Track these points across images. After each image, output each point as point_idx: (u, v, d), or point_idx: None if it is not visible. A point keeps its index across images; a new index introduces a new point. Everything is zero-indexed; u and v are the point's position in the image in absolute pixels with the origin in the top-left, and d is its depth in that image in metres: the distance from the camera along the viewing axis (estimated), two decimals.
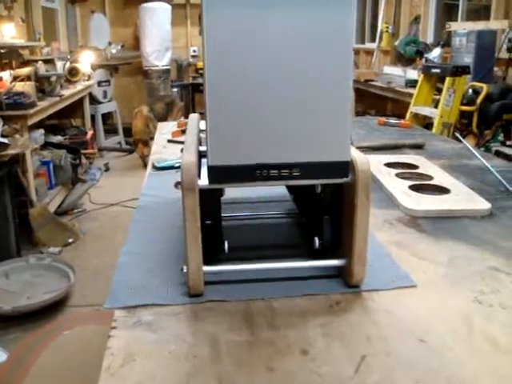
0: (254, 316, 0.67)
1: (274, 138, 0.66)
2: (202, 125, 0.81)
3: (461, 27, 3.47)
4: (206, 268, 0.70)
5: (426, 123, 3.31)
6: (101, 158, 4.83)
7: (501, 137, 2.75)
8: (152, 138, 4.39)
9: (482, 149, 2.65)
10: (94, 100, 4.88)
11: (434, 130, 3.00)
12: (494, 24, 3.18)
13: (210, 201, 0.71)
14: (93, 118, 4.86)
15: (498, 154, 2.53)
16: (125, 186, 3.90)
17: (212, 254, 0.73)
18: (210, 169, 0.66)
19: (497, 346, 0.62)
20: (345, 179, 0.69)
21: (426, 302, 0.71)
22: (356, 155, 0.68)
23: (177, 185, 1.05)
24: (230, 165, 0.66)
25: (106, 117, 5.43)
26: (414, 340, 0.62)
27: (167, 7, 5.38)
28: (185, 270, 0.71)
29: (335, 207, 0.75)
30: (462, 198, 1.09)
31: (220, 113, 0.64)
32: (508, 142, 2.65)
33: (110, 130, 5.38)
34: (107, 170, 4.59)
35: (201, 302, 0.70)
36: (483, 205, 1.04)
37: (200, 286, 0.70)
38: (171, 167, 1.36)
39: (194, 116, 1.05)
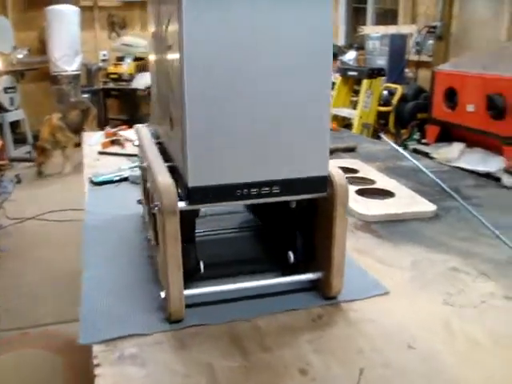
0: (242, 338, 0.66)
1: (253, 156, 0.65)
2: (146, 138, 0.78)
3: (373, 31, 3.64)
4: (187, 292, 0.67)
5: (345, 124, 3.44)
6: (11, 169, 4.52)
7: (416, 135, 2.92)
8: (65, 147, 4.25)
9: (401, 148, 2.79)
10: (0, 108, 4.57)
11: (354, 130, 3.12)
12: (404, 28, 3.37)
13: (185, 222, 0.68)
14: (0, 127, 4.55)
15: (416, 151, 2.68)
16: (38, 198, 3.70)
17: (187, 275, 0.70)
18: (191, 190, 0.63)
19: (479, 344, 0.65)
20: (323, 194, 0.69)
21: (403, 308, 0.73)
22: (333, 170, 0.69)
23: (140, 202, 1.01)
24: (210, 185, 0.64)
25: (15, 125, 5.09)
26: (403, 348, 0.64)
27: (75, 10, 5.15)
28: (163, 296, 0.68)
29: (308, 221, 0.76)
30: (407, 200, 1.14)
31: (201, 133, 0.62)
32: (423, 140, 2.82)
33: (19, 140, 5.05)
34: (19, 181, 4.31)
35: (183, 328, 0.67)
36: (429, 207, 1.10)
37: (181, 311, 0.67)
38: (110, 181, 1.30)
39: (142, 129, 1.01)
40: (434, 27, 3.16)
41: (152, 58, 0.92)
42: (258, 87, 0.63)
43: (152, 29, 0.89)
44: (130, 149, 1.62)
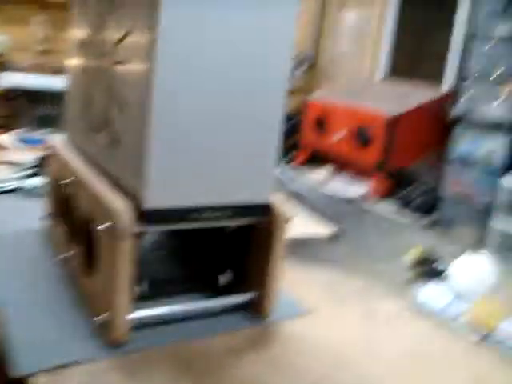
0: (189, 361, 0.66)
1: (206, 181, 0.66)
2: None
3: None
4: (134, 315, 0.65)
5: None
6: None
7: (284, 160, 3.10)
8: None
9: None
10: None
11: None
12: None
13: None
14: None
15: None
16: None
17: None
18: (146, 212, 0.62)
19: (406, 353, 0.74)
20: (265, 219, 0.72)
21: (327, 326, 0.79)
22: (275, 198, 0.73)
23: (47, 217, 0.94)
24: (165, 207, 0.63)
25: None
26: (343, 365, 0.70)
27: None
28: (99, 321, 0.65)
29: (241, 244, 0.78)
30: (305, 222, 1.22)
31: (161, 155, 0.61)
32: (290, 165, 3.00)
33: None
34: None
35: (128, 353, 0.65)
36: (327, 229, 1.19)
37: (126, 335, 0.65)
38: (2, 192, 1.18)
39: (56, 140, 0.95)
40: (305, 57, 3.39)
41: (77, 64, 0.87)
42: (217, 115, 0.64)
43: (81, 33, 0.85)
44: (9, 156, 1.49)
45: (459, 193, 2.11)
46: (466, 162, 2.07)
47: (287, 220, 0.73)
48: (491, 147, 2.00)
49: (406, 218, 2.02)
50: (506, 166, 1.96)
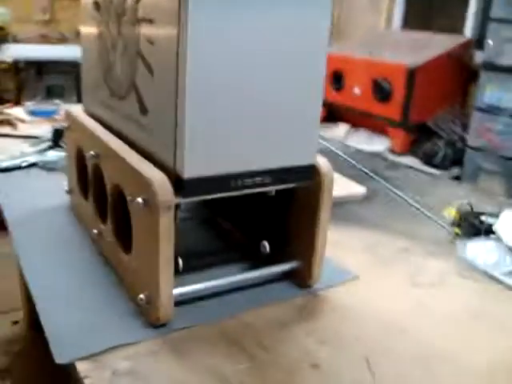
0: (238, 338, 0.62)
1: (248, 145, 0.61)
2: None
3: None
4: (176, 291, 0.62)
5: None
6: None
7: None
8: None
9: None
10: None
11: None
12: None
13: None
14: None
15: None
16: None
17: None
18: (186, 182, 0.57)
19: (460, 320, 0.69)
20: (310, 182, 0.67)
21: (377, 292, 0.75)
22: (319, 159, 0.68)
23: (70, 191, 0.90)
24: (205, 176, 0.59)
25: None
26: (396, 332, 0.66)
27: None
28: (142, 299, 0.61)
29: (283, 210, 0.74)
30: (337, 183, 1.17)
31: (200, 122, 0.56)
32: None
33: None
34: None
35: (172, 332, 0.62)
36: (360, 189, 1.14)
37: (170, 314, 0.61)
38: (17, 167, 1.14)
39: (75, 110, 0.90)
40: None
41: (92, 29, 0.81)
42: (255, 77, 0.59)
43: None
44: (23, 129, 1.44)
45: (486, 143, 2.04)
46: (493, 110, 1.99)
47: (332, 181, 0.68)
48: None
49: (432, 172, 1.96)
50: None
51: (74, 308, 0.65)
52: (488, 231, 0.92)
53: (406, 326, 0.67)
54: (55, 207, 0.94)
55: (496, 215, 0.96)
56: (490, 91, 2.01)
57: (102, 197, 0.75)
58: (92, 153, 0.74)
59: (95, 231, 0.78)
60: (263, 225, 0.76)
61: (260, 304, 0.69)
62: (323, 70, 0.63)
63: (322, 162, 0.67)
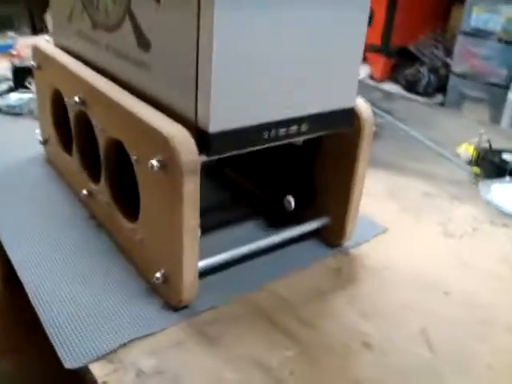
0: (273, 315, 0.53)
1: (284, 88, 0.49)
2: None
3: None
4: (200, 264, 0.52)
5: None
6: None
7: None
8: None
9: None
10: None
11: None
12: None
13: None
14: None
15: None
16: None
17: None
18: (212, 137, 0.46)
19: (504, 278, 0.63)
20: (349, 128, 0.57)
21: (411, 247, 0.68)
22: (358, 101, 0.57)
23: (45, 142, 0.76)
24: (234, 128, 0.47)
25: None
26: (441, 294, 0.59)
27: None
28: (159, 278, 0.51)
29: (309, 161, 0.64)
30: None
31: (229, 60, 0.44)
32: None
33: None
34: None
35: (199, 313, 0.52)
36: None
37: (194, 292, 0.52)
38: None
39: (46, 46, 0.74)
40: None
41: None
42: (291, 13, 0.46)
43: None
44: None
45: (471, 69, 1.95)
46: (479, 33, 1.88)
47: (372, 127, 0.58)
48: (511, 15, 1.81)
49: (417, 99, 1.88)
50: None
51: (70, 289, 0.54)
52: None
53: (450, 286, 0.60)
54: (29, 160, 0.81)
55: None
56: (476, 13, 1.89)
57: (92, 151, 0.63)
58: (76, 99, 0.60)
59: (84, 192, 0.66)
60: (283, 178, 0.66)
61: (289, 269, 0.60)
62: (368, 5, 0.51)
63: (362, 105, 0.57)
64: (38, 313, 0.51)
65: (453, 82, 2.00)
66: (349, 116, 0.56)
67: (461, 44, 1.95)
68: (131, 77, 0.55)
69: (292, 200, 0.63)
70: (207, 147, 0.46)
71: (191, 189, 0.45)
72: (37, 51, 0.73)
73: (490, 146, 0.90)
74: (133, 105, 0.51)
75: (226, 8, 0.42)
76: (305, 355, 0.49)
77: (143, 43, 0.51)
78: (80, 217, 0.67)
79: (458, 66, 1.99)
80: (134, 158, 0.51)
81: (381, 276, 0.61)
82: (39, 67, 0.74)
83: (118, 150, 0.57)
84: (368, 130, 0.57)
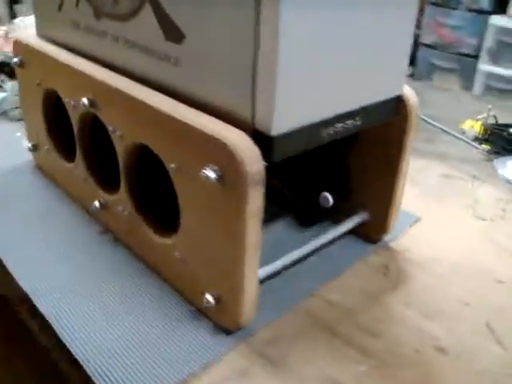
0: (333, 323, 0.49)
1: (341, 81, 0.44)
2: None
3: None
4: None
5: None
6: None
7: None
8: None
9: None
10: None
11: None
12: None
13: None
14: None
15: None
16: None
17: None
18: (274, 141, 0.40)
19: None
20: (397, 116, 0.52)
21: (448, 235, 0.65)
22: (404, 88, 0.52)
23: (34, 148, 0.67)
24: (295, 129, 0.42)
25: None
26: (494, 285, 0.56)
27: None
28: (210, 301, 0.46)
29: (343, 153, 0.59)
30: None
31: (295, 53, 0.38)
32: None
33: None
34: None
35: (256, 332, 0.47)
36: None
37: (253, 313, 0.46)
38: None
39: (30, 39, 0.65)
40: None
41: None
42: (354, 12, 0.41)
43: None
44: None
45: (440, 39, 1.94)
46: (449, 3, 1.87)
47: (419, 115, 0.54)
48: None
49: None
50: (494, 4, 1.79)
51: (102, 319, 0.48)
52: None
53: (499, 274, 0.58)
54: (15, 168, 0.72)
55: None
56: None
57: (102, 158, 0.56)
58: (84, 100, 0.53)
59: (96, 204, 0.58)
60: (315, 173, 0.61)
61: (335, 272, 0.56)
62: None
63: (408, 92, 0.52)
64: (73, 352, 0.44)
65: (422, 53, 1.99)
66: (398, 104, 0.51)
67: (429, 15, 1.94)
68: (152, 72, 0.48)
69: (329, 196, 0.59)
70: (268, 152, 0.40)
71: (256, 202, 0.40)
72: (20, 46, 0.64)
73: (497, 121, 0.89)
74: (169, 106, 0.44)
75: (293, 6, 0.36)
76: (379, 369, 0.45)
77: (173, 34, 0.45)
78: (90, 232, 0.60)
79: (427, 36, 1.98)
80: (171, 166, 0.45)
81: (429, 270, 0.58)
82: (23, 64, 0.65)
83: (140, 155, 0.50)
84: (415, 116, 0.53)
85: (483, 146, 0.86)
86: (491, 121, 0.88)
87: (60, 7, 0.60)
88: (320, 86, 0.42)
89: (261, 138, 0.40)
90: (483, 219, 0.68)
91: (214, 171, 0.40)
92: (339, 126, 0.45)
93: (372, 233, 0.61)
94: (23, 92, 0.69)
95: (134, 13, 0.48)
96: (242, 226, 0.40)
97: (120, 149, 0.51)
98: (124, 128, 0.50)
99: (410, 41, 0.49)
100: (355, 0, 0.41)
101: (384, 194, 0.57)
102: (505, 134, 0.86)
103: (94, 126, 0.57)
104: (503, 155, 0.82)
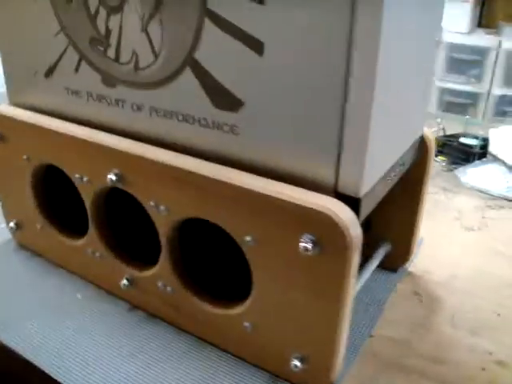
0: (402, 362, 0.50)
1: (401, 130, 0.45)
2: None
3: None
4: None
5: None
6: None
7: None
8: None
9: None
10: None
11: None
12: None
13: None
14: None
15: None
16: None
17: None
18: (362, 201, 0.40)
19: None
20: (419, 154, 0.55)
21: (451, 249, 0.69)
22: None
23: (16, 226, 0.60)
24: (374, 184, 0.42)
25: None
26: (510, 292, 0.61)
27: None
28: (298, 365, 0.45)
29: None
30: None
31: (381, 108, 0.38)
32: None
33: None
34: None
35: None
36: None
37: (340, 369, 0.46)
38: None
39: (19, 112, 0.58)
40: None
41: None
42: (414, 60, 0.42)
43: None
44: None
45: None
46: None
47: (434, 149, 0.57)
48: None
49: None
50: None
51: None
52: (478, 154, 0.92)
53: (508, 280, 0.63)
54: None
55: (471, 135, 0.96)
56: None
57: (124, 232, 0.52)
58: (111, 176, 0.49)
59: (124, 282, 0.54)
60: None
61: (378, 308, 0.57)
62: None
63: (427, 130, 0.55)
64: None
65: None
66: (421, 143, 0.54)
67: None
68: (195, 141, 0.46)
69: None
70: (356, 213, 0.41)
71: (355, 264, 0.40)
72: (0, 119, 0.57)
73: (445, 132, 0.96)
74: (240, 178, 0.42)
75: (386, 59, 0.36)
76: None
77: (226, 102, 0.43)
78: (116, 312, 0.55)
79: None
80: (246, 239, 0.43)
81: (453, 287, 0.62)
82: (2, 139, 0.58)
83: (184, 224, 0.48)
84: (433, 149, 0.56)
85: (440, 157, 0.93)
86: (441, 133, 0.95)
87: (48, 74, 0.54)
88: (390, 131, 0.43)
89: (345, 200, 0.40)
90: (472, 229, 0.74)
91: (311, 240, 0.39)
92: (392, 175, 0.47)
93: (395, 262, 0.63)
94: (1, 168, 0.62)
95: (166, 80, 0.46)
96: (341, 289, 0.40)
97: (163, 224, 0.48)
98: (171, 203, 0.47)
99: (433, 76, 0.52)
100: (411, 35, 0.43)
101: (407, 225, 0.60)
102: (455, 144, 0.93)
103: (109, 199, 0.53)
104: (461, 164, 0.90)
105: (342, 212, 0.38)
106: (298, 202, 0.39)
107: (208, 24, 0.41)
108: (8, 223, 0.64)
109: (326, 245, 0.39)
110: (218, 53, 0.41)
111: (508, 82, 1.96)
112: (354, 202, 0.40)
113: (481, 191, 0.83)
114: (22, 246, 0.65)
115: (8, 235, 0.66)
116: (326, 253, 0.39)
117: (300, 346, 0.45)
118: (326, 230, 0.38)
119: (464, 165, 0.89)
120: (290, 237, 0.40)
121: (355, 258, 0.39)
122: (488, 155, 0.90)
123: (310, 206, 0.39)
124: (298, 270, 0.42)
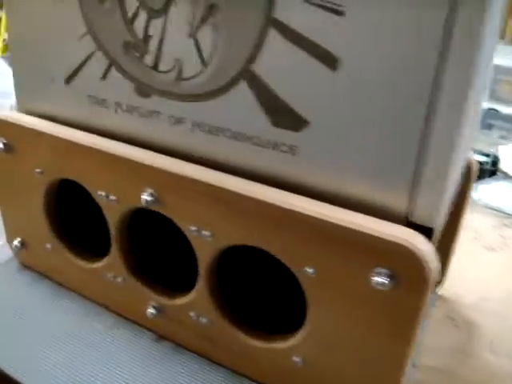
0: None
1: (463, 147, 0.42)
2: None
3: None
4: None
5: None
6: None
7: None
8: None
9: None
10: None
11: None
12: None
13: None
14: None
15: None
16: None
17: None
18: (434, 231, 0.37)
19: None
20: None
21: (476, 269, 0.68)
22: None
23: (22, 245, 0.54)
24: (445, 212, 0.39)
25: None
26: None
27: None
28: None
29: None
30: None
31: (460, 141, 0.36)
32: None
33: None
34: None
35: None
36: None
37: None
38: None
39: (23, 118, 0.53)
40: None
41: None
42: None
43: None
44: None
45: None
46: None
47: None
48: None
49: None
50: None
51: None
52: (489, 171, 0.91)
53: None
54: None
55: (481, 152, 0.95)
56: None
57: (151, 257, 0.48)
58: (146, 197, 0.44)
59: (151, 310, 0.49)
60: None
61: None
62: None
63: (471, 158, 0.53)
64: None
65: None
66: (467, 166, 0.52)
67: None
68: (245, 160, 0.42)
69: None
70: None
71: (428, 300, 0.37)
72: (7, 126, 0.52)
73: None
74: (292, 201, 0.38)
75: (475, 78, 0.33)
76: None
77: (288, 121, 0.39)
78: (141, 344, 0.51)
79: None
80: (308, 270, 0.39)
81: (486, 310, 0.60)
82: (11, 149, 0.53)
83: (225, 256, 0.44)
84: (476, 175, 0.54)
85: None
86: None
87: (69, 80, 0.50)
88: (459, 156, 0.40)
89: (418, 230, 0.37)
90: (493, 249, 0.72)
91: (385, 274, 0.36)
92: (452, 202, 0.44)
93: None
94: (2, 182, 0.56)
95: (215, 93, 0.42)
96: (413, 326, 0.37)
97: (205, 251, 0.44)
98: (217, 228, 0.42)
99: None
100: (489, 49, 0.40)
101: (445, 252, 0.57)
102: None
103: (134, 220, 0.49)
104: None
105: (420, 243, 0.35)
106: (373, 233, 0.36)
107: (273, 35, 0.37)
108: (11, 241, 0.58)
109: (401, 279, 0.36)
110: (281, 66, 0.38)
111: (492, 96, 1.99)
112: (427, 232, 0.37)
113: (494, 209, 0.82)
114: (26, 267, 0.59)
115: (6, 254, 0.61)
116: (400, 287, 0.36)
117: (358, 381, 0.41)
118: (403, 262, 0.35)
119: (475, 182, 0.88)
120: (360, 269, 0.37)
121: (429, 293, 0.36)
122: (498, 172, 0.89)
123: (387, 238, 0.35)
124: (366, 304, 0.38)
